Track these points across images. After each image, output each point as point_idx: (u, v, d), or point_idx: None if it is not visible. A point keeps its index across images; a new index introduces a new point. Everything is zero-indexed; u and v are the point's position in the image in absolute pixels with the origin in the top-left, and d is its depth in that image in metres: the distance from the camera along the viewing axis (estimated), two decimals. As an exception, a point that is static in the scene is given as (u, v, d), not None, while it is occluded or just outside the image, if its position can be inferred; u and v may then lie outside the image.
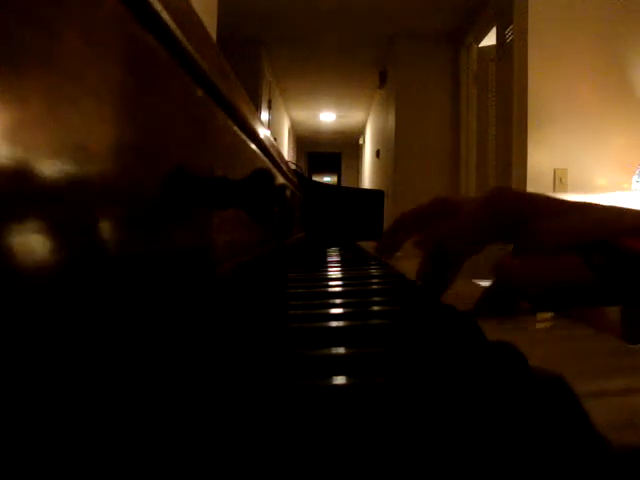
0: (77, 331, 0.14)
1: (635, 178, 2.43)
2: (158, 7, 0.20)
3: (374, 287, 0.44)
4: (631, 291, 0.27)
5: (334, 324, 0.27)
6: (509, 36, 2.77)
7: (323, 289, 0.42)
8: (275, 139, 0.83)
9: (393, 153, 3.97)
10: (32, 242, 0.12)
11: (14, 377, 0.11)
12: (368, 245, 1.04)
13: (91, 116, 0.15)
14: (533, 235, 0.31)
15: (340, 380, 0.17)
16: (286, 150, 6.30)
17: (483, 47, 3.49)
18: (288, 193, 0.69)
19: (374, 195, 1.50)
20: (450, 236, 0.35)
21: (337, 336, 0.24)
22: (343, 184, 8.81)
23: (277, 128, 5.37)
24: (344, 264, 0.70)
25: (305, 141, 8.55)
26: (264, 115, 4.30)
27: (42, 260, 0.12)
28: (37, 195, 0.12)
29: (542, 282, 0.27)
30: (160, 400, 0.15)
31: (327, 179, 9.83)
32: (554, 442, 0.12)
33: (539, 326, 0.29)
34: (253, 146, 0.44)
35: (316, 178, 4.90)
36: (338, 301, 0.36)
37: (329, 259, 0.78)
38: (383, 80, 4.54)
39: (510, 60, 2.70)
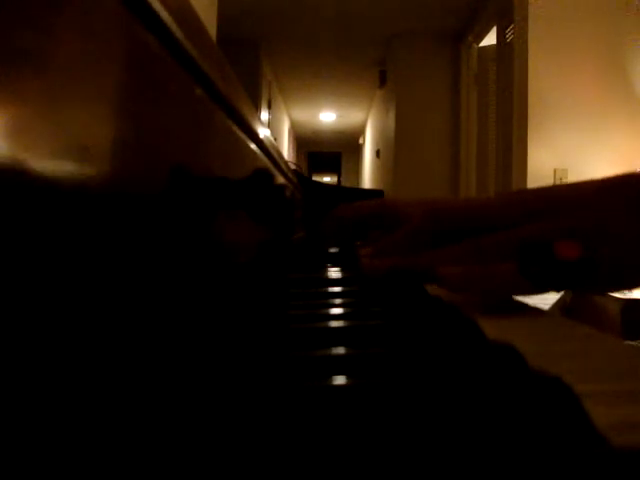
0: (79, 328, 0.14)
1: (635, 178, 2.43)
2: (158, 7, 0.20)
3: (374, 287, 0.44)
4: (559, 287, 0.30)
5: (334, 324, 0.27)
6: (509, 36, 2.77)
7: (323, 289, 0.42)
8: (275, 139, 0.83)
9: (393, 153, 3.97)
10: (33, 242, 0.12)
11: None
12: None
13: (90, 116, 0.15)
14: (475, 244, 0.34)
15: (339, 381, 0.17)
16: (286, 150, 6.30)
17: (483, 47, 3.49)
18: (288, 193, 0.69)
19: (374, 195, 1.50)
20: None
21: (338, 336, 0.24)
22: (343, 184, 8.81)
23: (277, 128, 5.37)
24: (344, 264, 0.70)
25: (305, 141, 8.55)
26: (264, 115, 4.30)
27: (44, 261, 0.12)
28: (36, 195, 0.12)
29: (478, 291, 0.30)
30: (162, 400, 0.15)
31: (327, 179, 9.83)
32: (554, 442, 0.12)
33: (539, 326, 0.29)
34: (253, 146, 0.44)
35: (316, 178, 4.90)
36: (338, 301, 0.36)
37: (329, 259, 0.78)
38: (383, 80, 4.54)
39: (510, 60, 2.70)
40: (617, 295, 1.69)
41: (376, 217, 0.45)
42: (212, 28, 2.33)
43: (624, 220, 0.31)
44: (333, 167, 9.81)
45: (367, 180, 6.73)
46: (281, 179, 0.67)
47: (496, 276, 0.30)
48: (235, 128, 0.37)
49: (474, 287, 0.30)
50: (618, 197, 0.32)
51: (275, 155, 0.59)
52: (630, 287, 0.33)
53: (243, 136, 0.40)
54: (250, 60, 4.02)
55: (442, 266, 0.32)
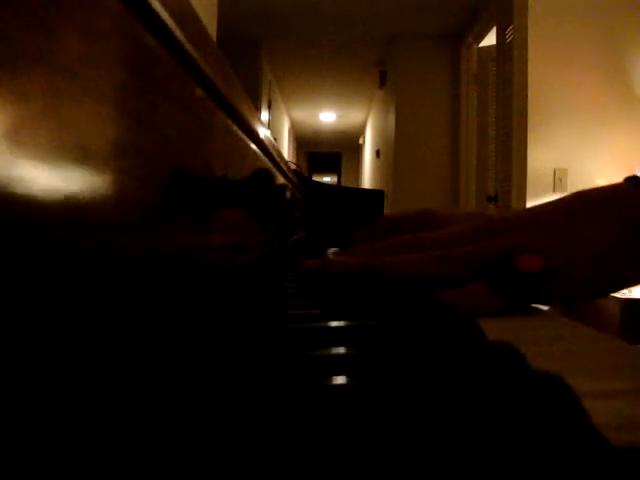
0: (82, 326, 0.14)
1: (635, 178, 2.42)
2: (158, 7, 0.20)
3: (374, 287, 0.44)
4: (531, 299, 0.32)
5: (333, 324, 0.27)
6: (509, 36, 2.77)
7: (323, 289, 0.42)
8: (275, 139, 0.83)
9: (393, 153, 3.97)
10: (34, 241, 0.12)
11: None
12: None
13: (90, 116, 0.15)
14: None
15: (338, 381, 0.17)
16: (286, 150, 6.30)
17: (483, 47, 3.49)
18: (288, 193, 0.69)
19: (374, 195, 1.50)
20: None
21: (337, 336, 0.24)
22: (343, 184, 8.81)
23: (277, 128, 5.37)
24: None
25: (305, 141, 8.55)
26: (264, 115, 4.30)
27: (45, 260, 0.12)
28: (37, 196, 0.12)
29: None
30: (160, 399, 0.15)
31: (327, 179, 9.84)
32: (554, 442, 0.12)
33: (539, 326, 0.29)
34: (253, 146, 0.44)
35: (316, 178, 4.90)
36: (337, 301, 0.36)
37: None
38: (383, 80, 4.54)
39: (510, 60, 2.70)
40: (617, 295, 1.69)
41: (417, 226, 0.43)
42: (212, 28, 2.33)
43: (585, 233, 0.32)
44: (333, 167, 9.80)
45: (367, 180, 6.73)
46: (281, 179, 0.67)
47: (470, 297, 0.32)
48: (235, 128, 0.37)
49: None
50: (579, 212, 0.34)
51: (275, 155, 0.59)
52: (604, 294, 0.35)
53: (243, 136, 0.40)
54: (250, 60, 4.02)
55: (397, 269, 0.34)
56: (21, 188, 0.11)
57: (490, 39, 3.25)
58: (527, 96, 2.53)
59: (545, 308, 0.34)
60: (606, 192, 0.34)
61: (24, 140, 0.11)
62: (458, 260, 0.33)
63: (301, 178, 1.24)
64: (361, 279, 0.37)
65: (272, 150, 0.56)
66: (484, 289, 0.32)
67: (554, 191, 2.47)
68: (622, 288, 0.35)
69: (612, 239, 0.32)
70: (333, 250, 0.43)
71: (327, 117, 7.00)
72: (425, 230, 0.39)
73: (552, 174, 2.51)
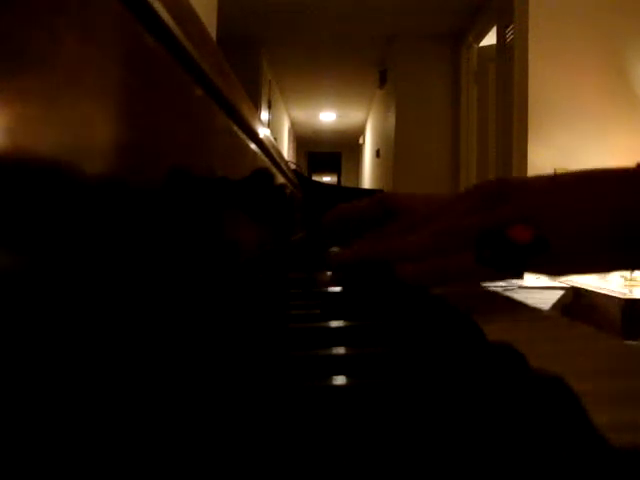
0: (83, 324, 0.14)
1: (635, 178, 2.42)
2: (158, 7, 0.19)
3: (375, 287, 0.44)
4: (516, 270, 0.32)
5: (334, 324, 0.27)
6: (509, 36, 2.77)
7: (324, 289, 0.42)
8: (275, 139, 0.83)
9: (393, 153, 3.97)
10: (33, 241, 0.12)
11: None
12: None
13: (90, 116, 0.15)
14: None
15: (339, 381, 0.17)
16: (286, 150, 6.30)
17: (483, 47, 3.49)
18: (288, 193, 0.69)
19: (374, 194, 1.50)
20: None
21: (337, 336, 0.24)
22: (343, 184, 8.81)
23: (277, 128, 5.37)
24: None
25: (305, 141, 8.55)
26: (264, 115, 4.30)
27: (44, 259, 0.12)
28: (37, 195, 0.12)
29: (438, 283, 0.34)
30: (161, 399, 0.15)
31: (327, 179, 9.84)
32: (554, 442, 0.12)
33: (539, 326, 0.29)
34: (253, 146, 0.44)
35: (316, 178, 4.89)
36: (338, 301, 0.36)
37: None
38: (383, 80, 4.54)
39: (510, 60, 2.70)
40: (617, 295, 1.69)
41: (375, 211, 0.44)
42: (212, 28, 2.33)
43: (577, 203, 0.32)
44: (333, 167, 9.80)
45: (367, 180, 6.73)
46: (281, 179, 0.67)
47: (453, 267, 0.32)
48: (235, 128, 0.37)
49: (432, 280, 0.32)
50: (570, 184, 0.34)
51: (275, 155, 0.59)
52: (587, 271, 0.35)
53: (243, 136, 0.40)
54: (250, 60, 4.02)
55: (398, 254, 0.34)
56: (19, 188, 0.11)
57: (490, 39, 3.25)
58: (527, 96, 2.53)
59: (545, 308, 0.34)
60: (613, 174, 0.34)
61: (23, 138, 0.11)
62: (447, 237, 0.33)
63: (301, 178, 1.24)
64: (363, 269, 0.37)
65: (272, 150, 0.56)
66: (468, 258, 0.31)
67: (554, 191, 2.47)
68: (608, 271, 0.35)
69: (597, 220, 0.32)
70: (333, 250, 0.43)
71: (327, 117, 7.00)
72: (391, 219, 0.40)
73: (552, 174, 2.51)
